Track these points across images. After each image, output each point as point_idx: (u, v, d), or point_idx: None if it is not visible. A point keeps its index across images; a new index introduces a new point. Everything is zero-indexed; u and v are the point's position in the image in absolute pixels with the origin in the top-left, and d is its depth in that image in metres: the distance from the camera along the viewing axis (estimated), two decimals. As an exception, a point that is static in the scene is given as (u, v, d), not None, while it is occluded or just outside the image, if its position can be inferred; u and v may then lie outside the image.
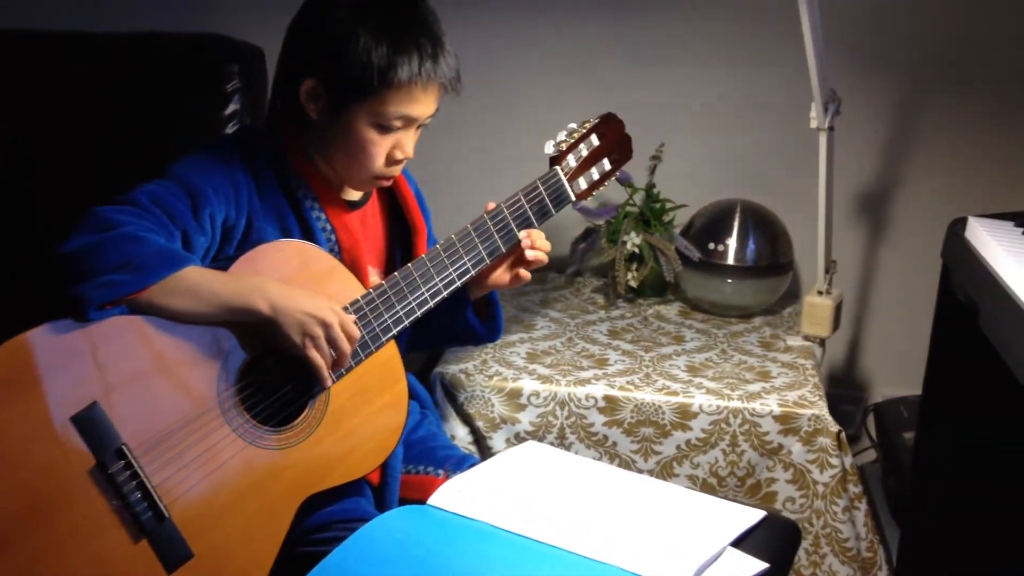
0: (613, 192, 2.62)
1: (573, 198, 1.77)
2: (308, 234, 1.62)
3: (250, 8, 2.74)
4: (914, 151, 2.62)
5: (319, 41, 1.56)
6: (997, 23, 2.48)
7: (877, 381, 2.82)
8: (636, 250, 2.47)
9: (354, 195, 1.69)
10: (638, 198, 2.54)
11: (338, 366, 1.50)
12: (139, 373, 1.41)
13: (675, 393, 2.07)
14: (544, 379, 2.10)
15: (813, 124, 2.13)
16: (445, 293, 1.63)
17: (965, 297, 1.86)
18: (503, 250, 1.68)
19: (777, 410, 2.03)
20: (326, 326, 1.47)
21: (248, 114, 2.54)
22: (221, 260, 1.54)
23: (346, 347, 1.49)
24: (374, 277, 1.71)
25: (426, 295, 1.61)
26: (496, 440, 2.06)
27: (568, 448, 2.07)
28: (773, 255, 2.50)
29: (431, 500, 1.50)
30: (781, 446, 2.03)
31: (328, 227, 1.63)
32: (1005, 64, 2.50)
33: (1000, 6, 2.46)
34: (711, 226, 2.53)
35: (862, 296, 2.74)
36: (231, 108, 2.53)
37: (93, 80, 2.52)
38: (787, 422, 2.02)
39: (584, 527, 1.43)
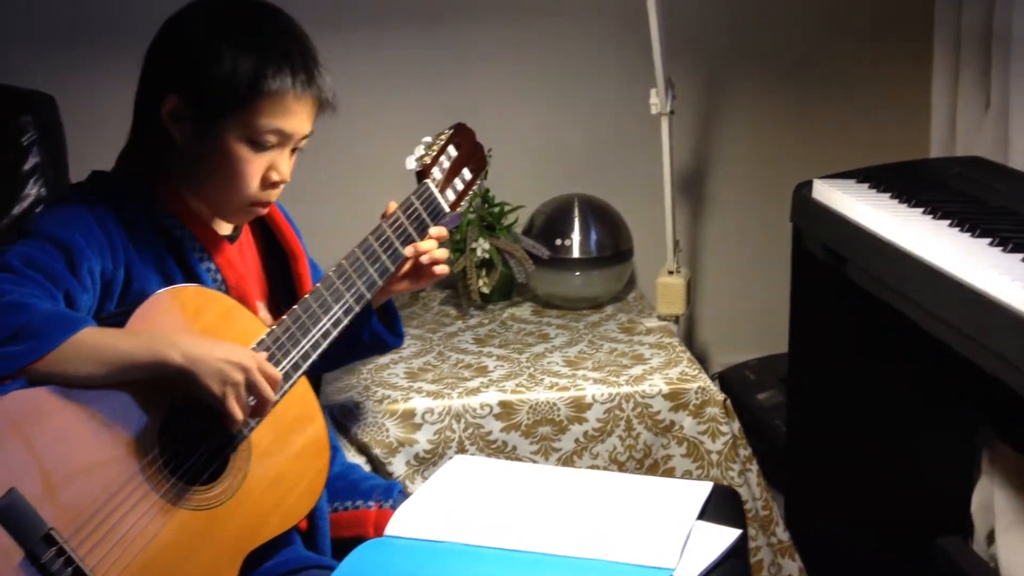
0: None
1: (448, 209, 1.76)
2: (191, 276, 1.52)
3: (25, 52, 2.53)
4: (723, 135, 2.77)
5: (180, 56, 1.47)
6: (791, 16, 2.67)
7: (712, 351, 2.95)
8: (486, 256, 2.47)
9: (227, 228, 1.60)
10: (475, 204, 2.54)
11: (260, 412, 1.41)
12: (53, 450, 1.28)
13: (565, 388, 2.08)
14: (434, 395, 2.07)
15: (654, 110, 2.20)
16: (346, 321, 1.58)
17: (825, 253, 1.97)
18: (391, 270, 1.65)
19: (665, 388, 2.08)
20: (246, 371, 1.37)
21: (51, 168, 2.37)
22: (104, 318, 1.41)
23: (269, 392, 1.40)
24: (262, 312, 1.63)
25: (328, 325, 1.55)
26: (396, 465, 2.01)
27: (469, 460, 2.04)
28: (616, 244, 2.57)
29: (389, 531, 1.45)
30: (673, 423, 2.09)
31: (212, 266, 1.54)
32: (799, 53, 2.70)
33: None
34: (552, 223, 2.57)
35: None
36: (31, 162, 2.35)
37: None
38: (676, 398, 2.08)
39: (554, 528, 1.42)
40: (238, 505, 1.42)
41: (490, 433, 2.05)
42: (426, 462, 2.03)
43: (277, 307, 1.65)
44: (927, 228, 1.68)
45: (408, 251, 1.66)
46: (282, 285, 1.67)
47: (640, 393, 2.08)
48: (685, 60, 2.59)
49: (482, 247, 2.46)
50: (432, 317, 2.52)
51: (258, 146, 1.48)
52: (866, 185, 1.99)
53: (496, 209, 2.55)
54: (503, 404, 2.05)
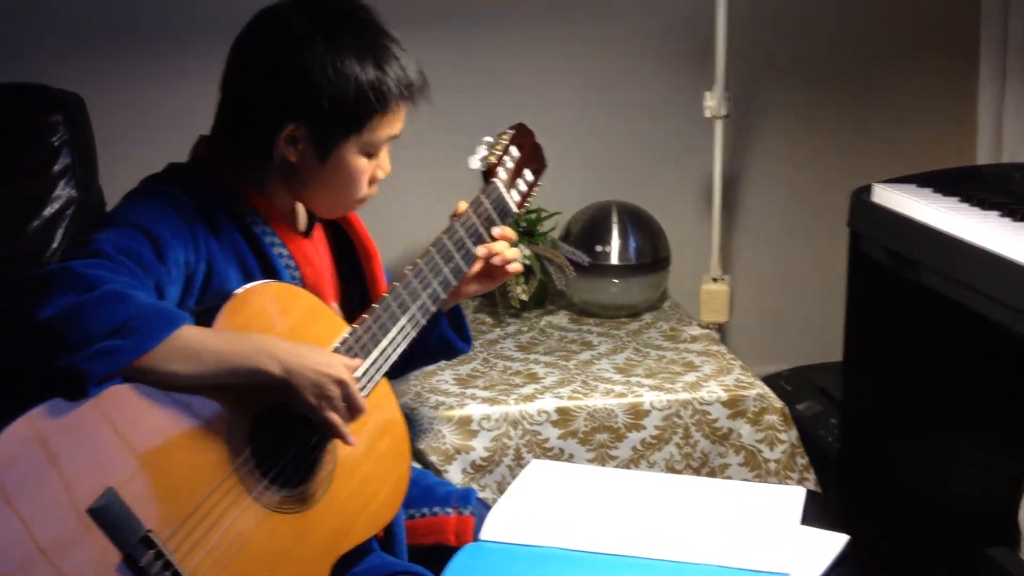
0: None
1: (515, 209, 1.72)
2: (270, 272, 1.46)
3: (50, 51, 2.46)
4: (757, 142, 2.75)
5: (298, 81, 1.39)
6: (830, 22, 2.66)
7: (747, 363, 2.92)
8: (526, 262, 2.42)
9: (302, 224, 1.55)
10: (512, 210, 2.50)
11: (346, 419, 1.36)
12: (149, 450, 1.22)
13: (622, 395, 2.04)
14: (489, 401, 2.02)
15: (708, 113, 2.17)
16: (423, 321, 1.53)
17: (889, 257, 1.95)
18: (465, 269, 1.61)
19: (723, 395, 2.05)
20: (342, 383, 1.33)
21: (81, 168, 2.31)
22: (193, 313, 1.35)
23: (362, 404, 1.35)
24: (334, 308, 1.58)
25: (406, 325, 1.50)
26: (452, 472, 1.95)
27: (524, 468, 1.99)
28: (654, 251, 2.54)
29: (485, 535, 1.40)
30: (731, 430, 2.05)
31: (291, 263, 1.48)
32: (837, 60, 2.69)
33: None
34: (590, 229, 2.53)
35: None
36: (62, 163, 2.29)
37: None
38: (735, 406, 2.05)
39: (657, 532, 1.38)
40: (326, 509, 1.37)
41: (547, 440, 2.00)
42: (482, 470, 1.97)
43: (348, 305, 1.60)
44: (1009, 231, 1.66)
45: (480, 251, 1.62)
46: (353, 284, 1.62)
47: (698, 400, 2.04)
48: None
49: (523, 253, 2.41)
50: (469, 325, 2.47)
51: (372, 155, 1.46)
52: (929, 189, 1.97)
53: (533, 215, 2.51)
54: (561, 411, 2.01)
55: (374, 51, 1.41)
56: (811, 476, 2.09)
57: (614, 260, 2.50)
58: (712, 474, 2.07)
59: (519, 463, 1.99)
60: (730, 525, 1.40)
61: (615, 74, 2.64)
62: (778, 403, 2.07)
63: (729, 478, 2.07)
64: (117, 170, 2.41)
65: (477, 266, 1.65)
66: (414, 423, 1.97)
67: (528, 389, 2.07)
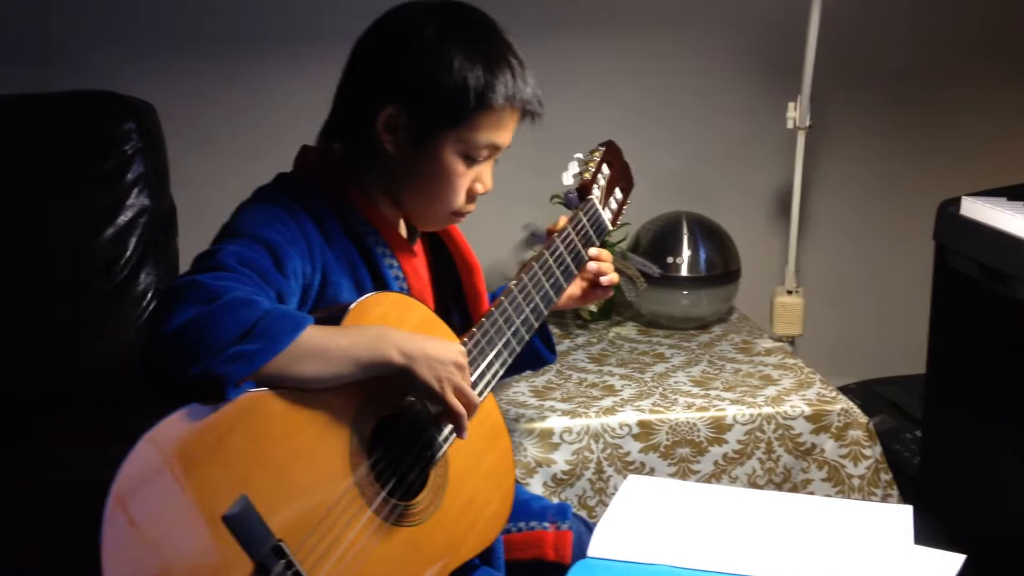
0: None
1: (610, 226, 1.71)
2: (380, 283, 1.45)
3: (122, 60, 2.45)
4: (828, 155, 2.72)
5: (404, 62, 1.39)
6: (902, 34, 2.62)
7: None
8: (597, 273, 2.40)
9: (404, 233, 1.54)
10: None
11: (469, 406, 1.34)
12: (278, 457, 1.21)
13: (704, 409, 2.01)
14: (569, 414, 1.99)
15: (790, 124, 2.15)
16: (527, 336, 1.52)
17: (979, 270, 1.92)
18: (564, 286, 1.60)
19: (807, 410, 2.02)
20: (460, 368, 1.31)
21: (154, 177, 2.30)
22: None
23: (473, 397, 1.34)
24: None
25: (511, 339, 1.49)
26: (534, 486, 1.93)
27: (607, 482, 1.97)
28: (724, 263, 2.51)
29: (593, 552, 1.37)
30: (814, 445, 2.02)
31: (400, 274, 1.47)
32: (909, 72, 2.65)
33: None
34: (660, 241, 2.51)
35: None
36: (135, 171, 2.29)
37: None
38: (818, 420, 2.01)
39: (770, 551, 1.35)
40: (438, 524, 1.35)
41: (628, 454, 1.98)
42: (563, 483, 1.95)
43: (446, 318, 1.58)
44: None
45: (592, 267, 1.63)
46: (451, 297, 1.60)
47: (781, 414, 2.01)
48: (796, 78, 2.54)
49: (594, 264, 2.39)
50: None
51: (471, 160, 1.43)
52: (1021, 203, 1.93)
53: (602, 226, 2.48)
54: (642, 424, 1.98)
55: (488, 53, 1.40)
56: (895, 492, 2.06)
57: (684, 272, 2.47)
58: (794, 489, 2.03)
59: (600, 477, 1.97)
60: (842, 545, 1.37)
61: (687, 83, 2.62)
62: (863, 418, 2.03)
63: (812, 493, 2.04)
64: (187, 178, 2.42)
65: (577, 282, 1.64)
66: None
67: (607, 402, 2.05)
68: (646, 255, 2.48)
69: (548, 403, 2.04)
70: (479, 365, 1.41)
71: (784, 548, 1.36)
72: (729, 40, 2.59)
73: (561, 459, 1.95)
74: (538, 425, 1.96)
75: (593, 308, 2.44)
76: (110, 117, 2.28)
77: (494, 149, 1.45)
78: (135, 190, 2.27)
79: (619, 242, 2.50)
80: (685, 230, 2.50)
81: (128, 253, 2.23)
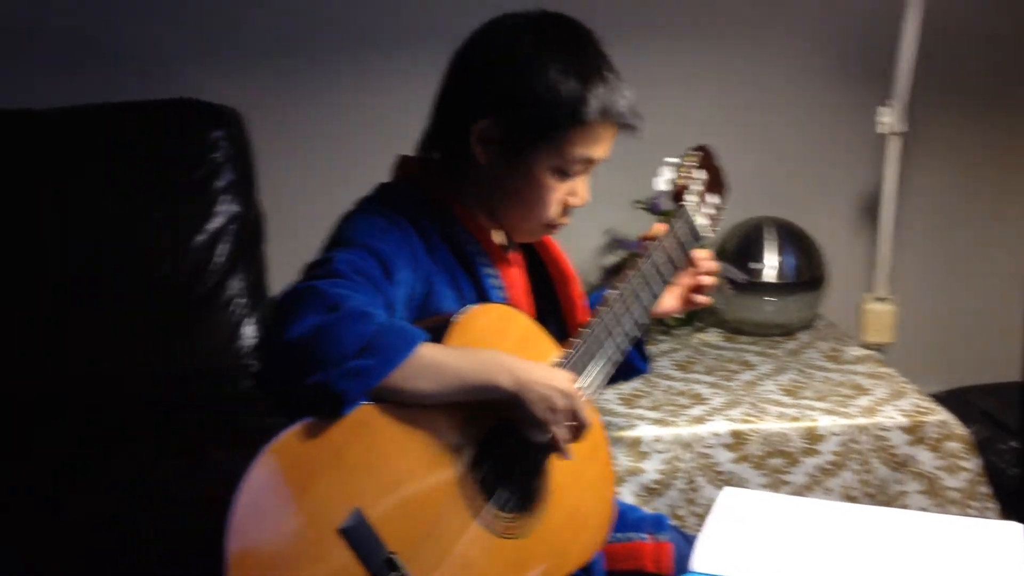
0: (641, 222, 2.54)
1: (704, 234, 1.68)
2: (481, 292, 1.45)
3: (210, 68, 2.48)
4: (932, 159, 2.66)
5: (498, 75, 1.38)
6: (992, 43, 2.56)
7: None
8: (681, 279, 2.38)
9: (502, 243, 1.53)
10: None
11: (574, 439, 1.34)
12: (389, 470, 1.21)
13: (796, 419, 1.98)
14: (659, 422, 1.97)
15: (883, 129, 2.10)
16: (626, 346, 1.50)
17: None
18: (660, 295, 1.58)
19: (904, 421, 1.98)
20: (569, 396, 1.30)
21: (243, 185, 2.33)
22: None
23: (587, 419, 1.33)
24: None
25: (612, 350, 1.47)
26: (624, 495, 1.91)
27: (698, 492, 1.95)
28: (810, 269, 2.47)
29: (697, 567, 1.35)
30: (911, 457, 1.98)
31: (500, 284, 1.47)
32: (1001, 78, 2.58)
33: None
34: (744, 246, 2.48)
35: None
36: (224, 179, 2.32)
37: (58, 159, 2.25)
38: (915, 432, 1.97)
39: (879, 570, 1.32)
40: (542, 535, 1.35)
41: (719, 464, 1.95)
42: (654, 493, 1.93)
43: (542, 327, 1.57)
44: None
45: (694, 274, 1.61)
46: (547, 307, 1.59)
47: (876, 425, 1.98)
48: (885, 80, 2.49)
49: (679, 270, 2.37)
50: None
51: (564, 174, 1.41)
52: None
53: (687, 231, 2.46)
54: (734, 434, 1.96)
55: (582, 67, 1.38)
56: (994, 506, 2.01)
57: (770, 278, 2.44)
58: (889, 502, 1.99)
59: (691, 486, 1.95)
60: (952, 564, 1.33)
61: (774, 85, 2.59)
62: (961, 430, 1.99)
63: (906, 506, 2.00)
64: (274, 185, 2.44)
65: (673, 290, 1.62)
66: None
67: (697, 410, 2.02)
68: (730, 261, 2.45)
69: (636, 411, 2.03)
70: (581, 378, 1.40)
71: (892, 567, 1.33)
72: (817, 42, 2.54)
73: (651, 468, 1.93)
74: (627, 433, 1.94)
75: (680, 314, 2.41)
76: (199, 126, 2.32)
77: (588, 163, 1.43)
78: (225, 197, 2.31)
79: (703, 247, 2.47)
80: (770, 235, 2.47)
81: (217, 260, 2.26)
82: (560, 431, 1.30)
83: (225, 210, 2.29)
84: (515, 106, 1.37)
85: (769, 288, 2.43)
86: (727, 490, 1.59)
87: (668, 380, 2.19)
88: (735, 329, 2.49)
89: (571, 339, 1.43)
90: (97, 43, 2.40)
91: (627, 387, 2.14)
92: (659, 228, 1.60)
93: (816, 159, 2.62)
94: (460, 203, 1.44)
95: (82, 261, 2.19)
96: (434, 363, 1.23)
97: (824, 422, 1.97)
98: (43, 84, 2.38)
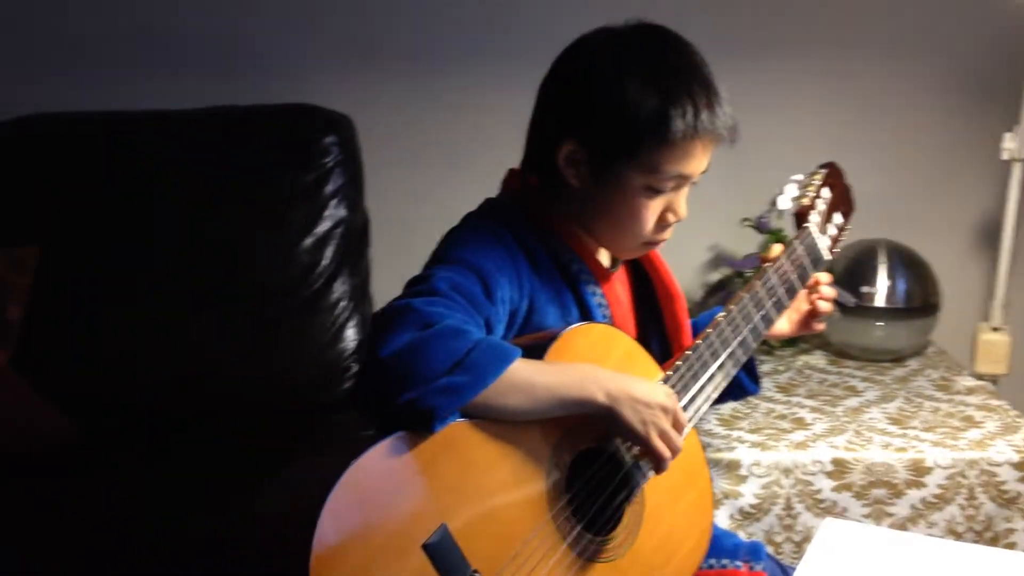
0: (747, 240, 2.51)
1: (828, 256, 1.64)
2: (584, 311, 1.44)
3: (324, 74, 2.52)
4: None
5: (577, 97, 1.37)
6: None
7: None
8: (787, 300, 2.33)
9: (607, 260, 1.52)
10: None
11: (674, 449, 1.32)
12: (478, 488, 1.21)
13: (902, 449, 1.92)
14: (759, 446, 1.94)
15: (1007, 155, 2.03)
16: (733, 372, 1.48)
17: None
18: (774, 318, 1.55)
19: (1015, 457, 1.90)
20: (667, 411, 1.29)
21: (351, 189, 2.36)
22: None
23: (679, 440, 1.31)
24: None
25: (717, 374, 1.45)
26: (719, 518, 1.88)
27: (796, 519, 1.90)
28: (924, 294, 2.40)
29: (792, 599, 1.32)
30: (1020, 495, 1.90)
31: (604, 302, 1.46)
32: None
33: None
34: (855, 269, 2.42)
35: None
36: (334, 184, 2.35)
37: (172, 161, 2.31)
38: (1026, 468, 1.90)
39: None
40: (633, 561, 1.34)
41: (820, 491, 1.91)
42: (750, 517, 1.90)
43: (645, 346, 1.56)
44: None
45: (803, 300, 1.60)
46: (652, 325, 1.57)
47: (986, 460, 1.90)
48: (1010, 110, 2.40)
49: (785, 290, 2.33)
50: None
51: (657, 192, 1.39)
52: None
53: (794, 251, 2.41)
54: (836, 462, 1.91)
55: (666, 83, 1.35)
56: (1109, 550, 1.92)
57: (880, 302, 2.37)
58: (996, 539, 1.92)
59: (789, 513, 1.91)
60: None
61: (893, 105, 2.52)
62: (1077, 469, 1.91)
63: (1013, 545, 1.92)
64: (380, 191, 2.47)
65: (787, 314, 1.59)
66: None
67: (798, 436, 1.98)
68: (840, 283, 2.38)
69: (736, 433, 1.99)
70: (683, 400, 1.39)
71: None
72: (944, 65, 2.47)
73: (749, 492, 1.90)
74: (725, 456, 1.91)
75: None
76: (312, 130, 2.35)
77: (682, 179, 1.40)
78: (333, 201, 2.34)
79: (811, 269, 2.42)
80: (883, 259, 2.40)
81: (324, 263, 2.30)
82: (658, 444, 1.29)
83: (332, 214, 2.32)
84: (595, 127, 1.36)
85: (879, 312, 2.37)
86: (828, 521, 1.55)
87: (769, 403, 2.15)
88: (841, 353, 2.43)
89: (674, 361, 1.41)
90: (213, 48, 2.47)
91: (726, 407, 2.11)
92: (777, 249, 1.57)
93: (937, 183, 2.55)
94: (561, 221, 1.44)
95: (193, 262, 2.23)
96: (528, 380, 1.23)
97: (931, 454, 1.91)
98: (170, 86, 2.45)
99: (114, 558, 1.69)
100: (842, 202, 1.69)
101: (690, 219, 2.56)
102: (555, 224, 1.43)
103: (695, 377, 1.40)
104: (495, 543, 1.20)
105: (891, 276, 2.38)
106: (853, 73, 2.51)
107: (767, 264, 1.53)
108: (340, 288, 2.29)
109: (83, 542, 1.74)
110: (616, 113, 1.35)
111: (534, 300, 1.38)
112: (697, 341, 1.42)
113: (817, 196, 1.63)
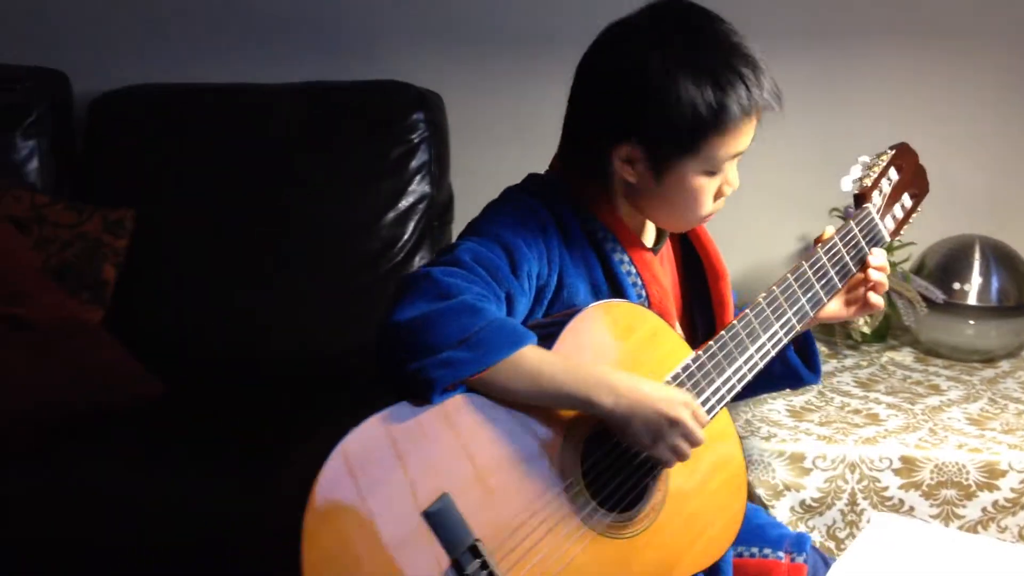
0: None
1: (888, 238, 1.59)
2: (617, 288, 1.43)
3: (416, 50, 2.55)
4: None
5: (633, 99, 1.34)
6: None
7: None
8: (873, 293, 2.27)
9: (651, 239, 1.51)
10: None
11: (682, 458, 1.31)
12: (485, 460, 1.23)
13: (976, 450, 1.86)
14: (826, 439, 1.90)
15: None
16: (773, 352, 1.45)
17: None
18: (825, 300, 1.50)
19: (1097, 465, 1.82)
20: (678, 423, 1.28)
21: (436, 165, 2.40)
22: (535, 327, 1.34)
23: (699, 438, 1.30)
24: (676, 330, 1.52)
25: (755, 355, 1.42)
26: (779, 509, 1.86)
27: (860, 515, 1.86)
28: (1019, 294, 2.31)
29: (825, 591, 1.30)
30: (1102, 504, 1.82)
31: (638, 281, 1.44)
32: None
33: None
34: (947, 265, 2.34)
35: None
36: (419, 159, 2.39)
37: (268, 133, 2.38)
38: (1109, 477, 1.81)
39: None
40: (652, 538, 1.33)
41: (886, 489, 1.86)
42: (812, 511, 1.86)
43: (691, 326, 1.55)
44: None
45: (868, 277, 1.52)
46: (698, 303, 1.56)
47: (1066, 466, 1.83)
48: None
49: (870, 283, 2.27)
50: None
51: (714, 174, 1.39)
52: None
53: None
54: (904, 459, 1.86)
55: (715, 70, 1.32)
56: None
57: (972, 300, 2.30)
58: (1073, 550, 1.84)
59: (853, 509, 1.87)
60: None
61: (996, 94, 2.42)
62: None
63: (1093, 557, 1.84)
64: (466, 168, 2.50)
65: (843, 295, 1.55)
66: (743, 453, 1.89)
67: (869, 431, 1.93)
68: (930, 278, 2.33)
69: (804, 425, 1.96)
70: (713, 380, 1.37)
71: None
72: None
73: (812, 485, 1.87)
74: (790, 447, 1.88)
75: (865, 329, 2.32)
76: (401, 106, 2.40)
77: (737, 156, 1.39)
78: (418, 177, 2.38)
79: (902, 262, 2.36)
80: (978, 255, 2.32)
81: (406, 236, 2.34)
82: (667, 456, 1.28)
83: (417, 189, 2.36)
84: (655, 128, 1.34)
85: (970, 310, 2.29)
86: (877, 515, 1.52)
87: (845, 396, 2.11)
88: (929, 351, 2.36)
89: (707, 341, 1.39)
90: (310, 25, 2.53)
91: (799, 399, 2.08)
92: (831, 231, 1.54)
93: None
94: (603, 198, 1.42)
95: (280, 232, 2.30)
96: (535, 368, 1.23)
97: (1006, 456, 1.85)
98: (269, 61, 2.52)
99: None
100: (912, 184, 1.63)
101: (780, 209, 2.53)
102: (592, 202, 1.42)
103: (729, 357, 1.38)
104: (501, 514, 1.21)
105: (984, 273, 2.30)
106: (947, 65, 2.42)
107: (818, 245, 1.50)
108: (420, 262, 2.33)
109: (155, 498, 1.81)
110: (675, 113, 1.32)
111: (564, 276, 1.37)
112: (733, 321, 1.41)
113: (882, 177, 1.58)
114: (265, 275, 2.30)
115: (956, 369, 2.27)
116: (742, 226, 2.38)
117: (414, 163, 2.38)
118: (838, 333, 2.36)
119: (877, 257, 1.53)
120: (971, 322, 2.29)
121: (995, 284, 2.30)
